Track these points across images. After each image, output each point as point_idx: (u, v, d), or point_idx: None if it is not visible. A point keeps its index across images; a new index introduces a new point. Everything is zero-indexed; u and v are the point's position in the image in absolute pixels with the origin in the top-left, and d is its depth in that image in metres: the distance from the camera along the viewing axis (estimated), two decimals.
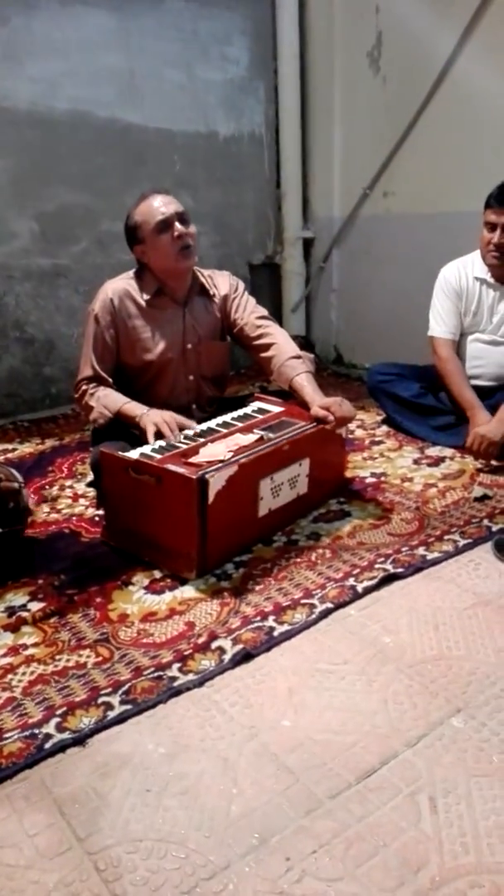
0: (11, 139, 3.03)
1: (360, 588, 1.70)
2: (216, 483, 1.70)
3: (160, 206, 2.08)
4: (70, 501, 2.28)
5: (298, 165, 3.79)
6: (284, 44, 3.59)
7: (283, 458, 1.91)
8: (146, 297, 2.16)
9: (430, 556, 1.84)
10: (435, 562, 1.82)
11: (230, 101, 3.60)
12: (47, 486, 2.40)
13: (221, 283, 2.29)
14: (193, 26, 3.40)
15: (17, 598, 1.73)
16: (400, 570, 1.77)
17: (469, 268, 2.56)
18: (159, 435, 1.95)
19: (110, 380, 2.17)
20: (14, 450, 2.80)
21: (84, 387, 2.15)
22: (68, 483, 2.43)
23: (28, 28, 2.98)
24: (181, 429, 1.98)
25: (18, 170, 3.08)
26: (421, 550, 1.87)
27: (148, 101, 3.34)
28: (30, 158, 3.10)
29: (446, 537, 1.93)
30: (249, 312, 2.27)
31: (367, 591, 1.70)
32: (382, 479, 2.34)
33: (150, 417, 1.99)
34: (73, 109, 3.15)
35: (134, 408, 2.06)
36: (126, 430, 2.07)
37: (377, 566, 1.79)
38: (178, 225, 2.06)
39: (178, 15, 3.34)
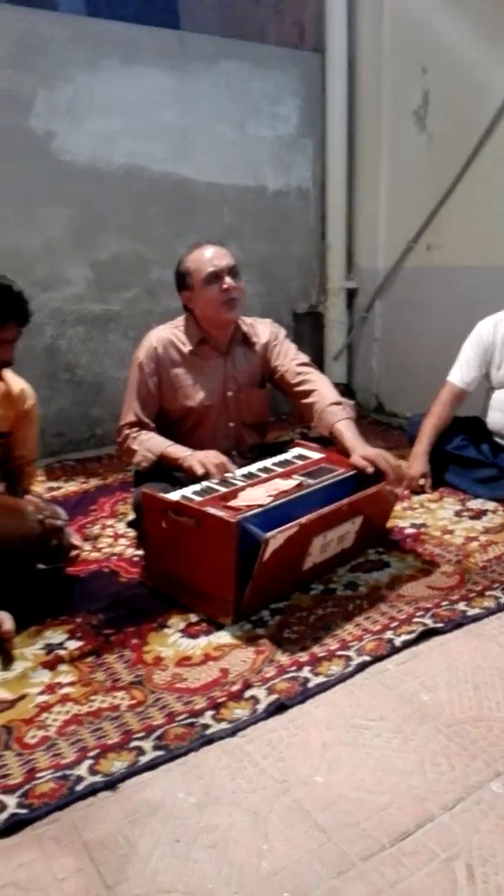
0: (71, 191, 3.18)
1: (398, 642, 1.67)
2: (275, 543, 1.67)
3: (213, 257, 2.14)
4: (111, 540, 2.31)
5: (344, 219, 3.87)
6: (333, 103, 3.71)
7: (341, 517, 1.90)
8: (189, 346, 2.21)
9: (470, 612, 1.80)
10: (476, 618, 1.78)
11: (279, 157, 3.72)
12: (89, 525, 2.44)
13: (263, 331, 2.33)
14: (246, 86, 3.54)
15: (56, 635, 1.75)
16: (440, 625, 1.74)
17: None
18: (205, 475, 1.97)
19: (152, 425, 2.21)
20: (59, 488, 2.86)
21: (126, 431, 2.20)
22: (109, 522, 2.46)
23: (90, 87, 3.14)
24: (225, 470, 2.00)
25: (76, 220, 3.22)
26: (461, 605, 1.83)
27: (200, 157, 3.47)
28: (87, 210, 3.24)
29: (488, 593, 1.89)
30: (290, 359, 2.30)
31: (406, 645, 1.67)
32: (422, 530, 2.31)
33: (196, 457, 2.02)
34: (129, 164, 3.30)
35: (177, 450, 2.09)
36: (168, 473, 2.10)
37: (416, 620, 1.76)
38: (227, 279, 2.12)
39: (231, 75, 3.49)
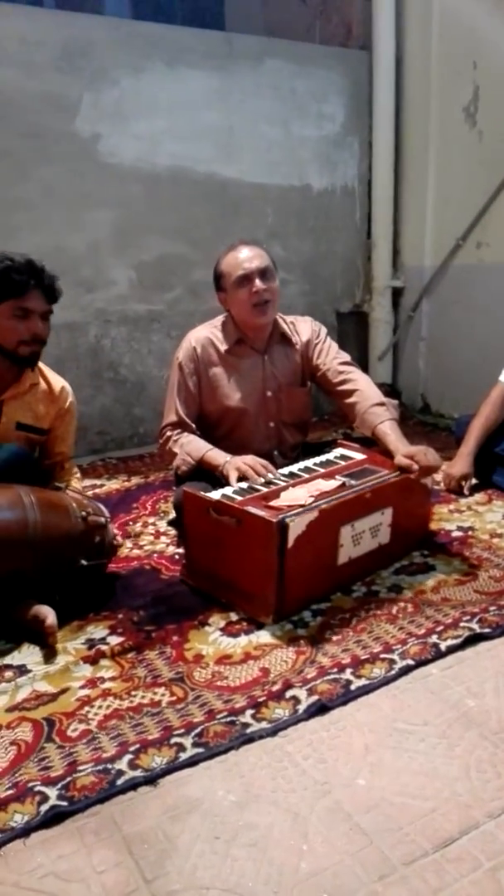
0: (116, 193, 3.21)
1: (443, 646, 1.63)
2: (296, 528, 1.69)
3: (244, 260, 2.13)
4: (152, 538, 2.32)
5: (390, 217, 3.82)
6: (380, 101, 3.67)
7: (365, 506, 1.88)
8: (227, 345, 2.21)
9: None
10: None
11: (324, 156, 3.70)
12: (131, 523, 2.46)
13: (303, 329, 2.32)
14: (291, 85, 3.53)
15: (98, 630, 1.76)
16: (487, 630, 1.69)
17: None
18: (242, 480, 1.96)
19: (193, 426, 2.21)
20: (102, 486, 2.89)
21: (168, 433, 2.21)
22: (151, 520, 2.48)
23: (135, 89, 3.17)
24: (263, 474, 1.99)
25: (121, 222, 3.26)
26: None
27: (245, 157, 3.47)
28: (132, 211, 3.27)
29: None
30: (332, 358, 2.28)
31: (451, 650, 1.63)
32: (469, 533, 2.26)
33: (233, 464, 2.01)
34: (174, 165, 3.32)
35: (216, 455, 2.09)
36: (209, 473, 2.10)
37: (462, 624, 1.72)
38: (257, 281, 2.11)
39: (276, 75, 3.48)
